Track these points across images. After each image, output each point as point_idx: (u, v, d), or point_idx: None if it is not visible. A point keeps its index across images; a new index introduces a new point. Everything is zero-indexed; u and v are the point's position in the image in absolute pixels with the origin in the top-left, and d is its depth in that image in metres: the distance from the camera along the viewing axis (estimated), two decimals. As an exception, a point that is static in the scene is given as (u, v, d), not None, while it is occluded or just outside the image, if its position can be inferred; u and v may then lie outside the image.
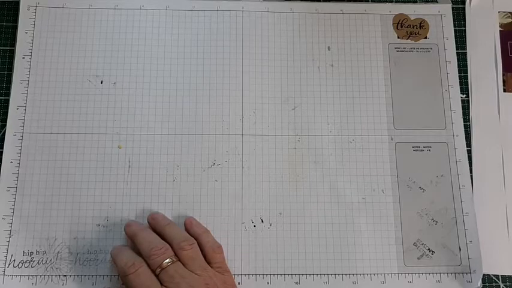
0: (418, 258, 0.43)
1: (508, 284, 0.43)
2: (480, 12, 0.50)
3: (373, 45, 0.48)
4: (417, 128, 0.46)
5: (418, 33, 0.49)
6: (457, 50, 0.49)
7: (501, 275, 0.44)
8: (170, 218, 0.43)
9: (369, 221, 0.44)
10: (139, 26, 0.48)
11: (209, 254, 0.40)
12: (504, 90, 0.48)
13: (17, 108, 0.45)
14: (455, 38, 0.49)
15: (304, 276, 0.43)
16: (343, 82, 0.47)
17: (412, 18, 0.49)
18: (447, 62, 0.48)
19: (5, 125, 0.45)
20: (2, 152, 0.44)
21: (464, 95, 0.48)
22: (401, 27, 0.49)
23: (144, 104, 0.46)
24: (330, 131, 0.46)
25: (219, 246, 0.41)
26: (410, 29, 0.49)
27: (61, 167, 0.44)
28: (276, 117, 0.46)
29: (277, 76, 0.47)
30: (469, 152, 0.46)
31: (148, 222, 0.42)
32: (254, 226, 0.43)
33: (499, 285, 0.43)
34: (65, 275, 0.42)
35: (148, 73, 0.46)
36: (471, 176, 0.46)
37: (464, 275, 0.43)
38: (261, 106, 0.46)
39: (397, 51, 0.48)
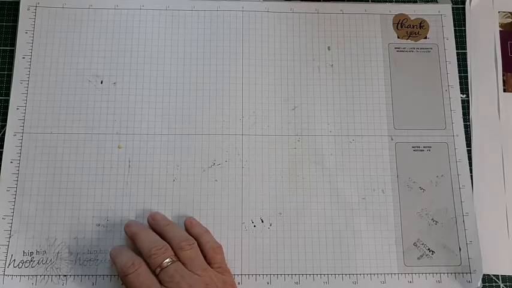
0: (418, 258, 0.43)
1: (508, 284, 0.43)
2: (480, 12, 0.50)
3: (373, 45, 0.48)
4: (417, 128, 0.46)
5: (418, 33, 0.49)
6: (457, 50, 0.49)
7: (501, 275, 0.44)
8: (170, 218, 0.43)
9: (369, 221, 0.44)
10: (139, 26, 0.48)
11: (209, 254, 0.40)
12: (504, 90, 0.48)
13: (17, 108, 0.45)
14: (455, 38, 0.49)
15: (304, 276, 0.43)
16: (343, 82, 0.47)
17: (412, 18, 0.49)
18: (447, 62, 0.48)
19: (5, 125, 0.45)
20: (2, 152, 0.44)
21: (464, 95, 0.48)
22: (401, 27, 0.49)
23: (144, 104, 0.46)
24: (330, 131, 0.46)
25: (219, 247, 0.41)
26: (410, 29, 0.49)
27: (61, 167, 0.44)
28: (276, 117, 0.46)
29: (277, 76, 0.47)
30: (469, 152, 0.46)
31: (148, 222, 0.42)
32: (254, 226, 0.43)
33: (499, 285, 0.43)
34: (65, 275, 0.42)
35: (148, 73, 0.46)
36: (471, 176, 0.46)
37: (464, 275, 0.43)
38: (261, 106, 0.46)
39: (397, 51, 0.48)
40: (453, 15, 0.49)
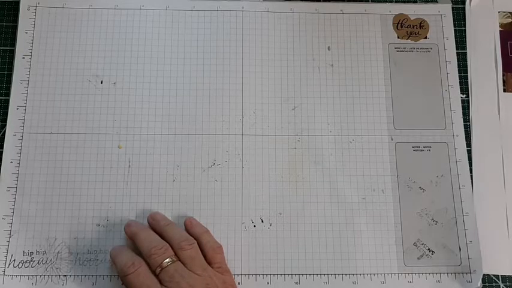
0: (418, 258, 0.43)
1: (508, 284, 0.43)
2: (480, 12, 0.50)
3: (373, 45, 0.48)
4: (417, 128, 0.46)
5: (418, 33, 0.49)
6: (457, 50, 0.49)
7: (501, 275, 0.44)
8: (170, 218, 0.43)
9: (369, 221, 0.44)
10: (139, 26, 0.48)
11: (209, 254, 0.40)
12: (504, 90, 0.48)
13: (17, 108, 0.45)
14: (455, 38, 0.49)
15: (304, 276, 0.43)
16: (343, 82, 0.47)
17: (412, 18, 0.49)
18: (447, 62, 0.48)
19: (5, 125, 0.45)
20: (2, 152, 0.44)
21: (464, 95, 0.48)
22: (401, 27, 0.49)
23: (144, 104, 0.46)
24: (330, 131, 0.46)
25: (219, 246, 0.41)
26: (410, 29, 0.49)
27: (61, 167, 0.44)
28: (276, 117, 0.46)
29: (277, 76, 0.47)
30: (469, 152, 0.46)
31: (148, 222, 0.42)
32: (254, 226, 0.43)
33: (499, 285, 0.43)
34: (65, 275, 0.42)
35: (148, 73, 0.46)
36: (471, 176, 0.46)
37: (464, 275, 0.43)
38: (261, 106, 0.46)
39: (397, 51, 0.48)
40: (453, 15, 0.49)
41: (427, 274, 0.43)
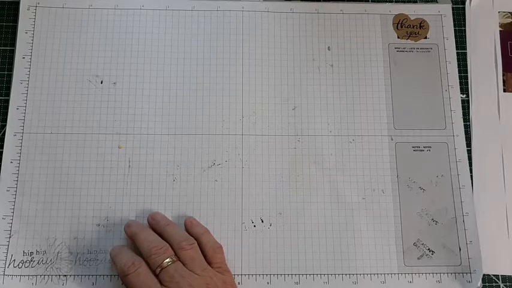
0: (418, 258, 0.43)
1: (508, 284, 0.43)
2: (480, 12, 0.50)
3: (373, 45, 0.48)
4: (417, 128, 0.46)
5: (418, 33, 0.49)
6: (457, 50, 0.49)
7: (501, 275, 0.44)
8: (170, 218, 0.43)
9: (369, 221, 0.44)
10: (139, 26, 0.48)
11: (209, 254, 0.40)
12: (504, 90, 0.48)
13: (17, 108, 0.45)
14: (455, 38, 0.49)
15: (304, 276, 0.43)
16: (343, 82, 0.47)
17: (412, 18, 0.49)
18: (447, 62, 0.48)
19: (5, 125, 0.45)
20: (2, 152, 0.44)
21: (464, 95, 0.48)
22: (401, 27, 0.49)
23: (144, 104, 0.46)
24: (330, 131, 0.46)
25: (219, 247, 0.41)
26: (410, 29, 0.49)
27: (61, 167, 0.44)
28: (276, 117, 0.46)
29: (277, 76, 0.47)
30: (469, 152, 0.46)
31: (148, 222, 0.42)
32: (254, 226, 0.43)
33: (499, 285, 0.43)
34: (65, 275, 0.42)
35: (148, 73, 0.46)
36: (471, 176, 0.46)
37: (464, 275, 0.43)
38: (261, 106, 0.46)
39: (397, 51, 0.48)
40: (453, 15, 0.49)
41: (427, 274, 0.43)
